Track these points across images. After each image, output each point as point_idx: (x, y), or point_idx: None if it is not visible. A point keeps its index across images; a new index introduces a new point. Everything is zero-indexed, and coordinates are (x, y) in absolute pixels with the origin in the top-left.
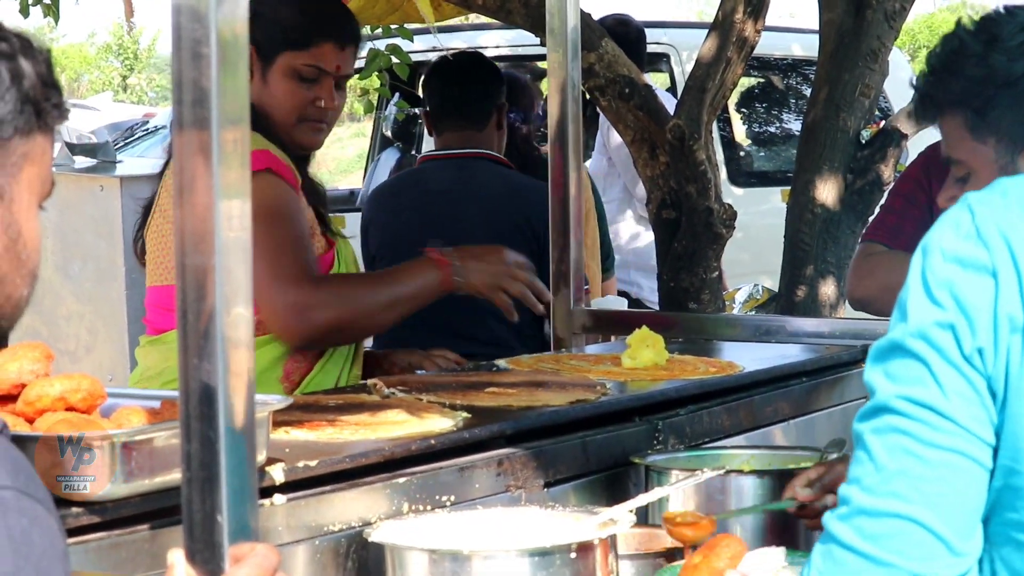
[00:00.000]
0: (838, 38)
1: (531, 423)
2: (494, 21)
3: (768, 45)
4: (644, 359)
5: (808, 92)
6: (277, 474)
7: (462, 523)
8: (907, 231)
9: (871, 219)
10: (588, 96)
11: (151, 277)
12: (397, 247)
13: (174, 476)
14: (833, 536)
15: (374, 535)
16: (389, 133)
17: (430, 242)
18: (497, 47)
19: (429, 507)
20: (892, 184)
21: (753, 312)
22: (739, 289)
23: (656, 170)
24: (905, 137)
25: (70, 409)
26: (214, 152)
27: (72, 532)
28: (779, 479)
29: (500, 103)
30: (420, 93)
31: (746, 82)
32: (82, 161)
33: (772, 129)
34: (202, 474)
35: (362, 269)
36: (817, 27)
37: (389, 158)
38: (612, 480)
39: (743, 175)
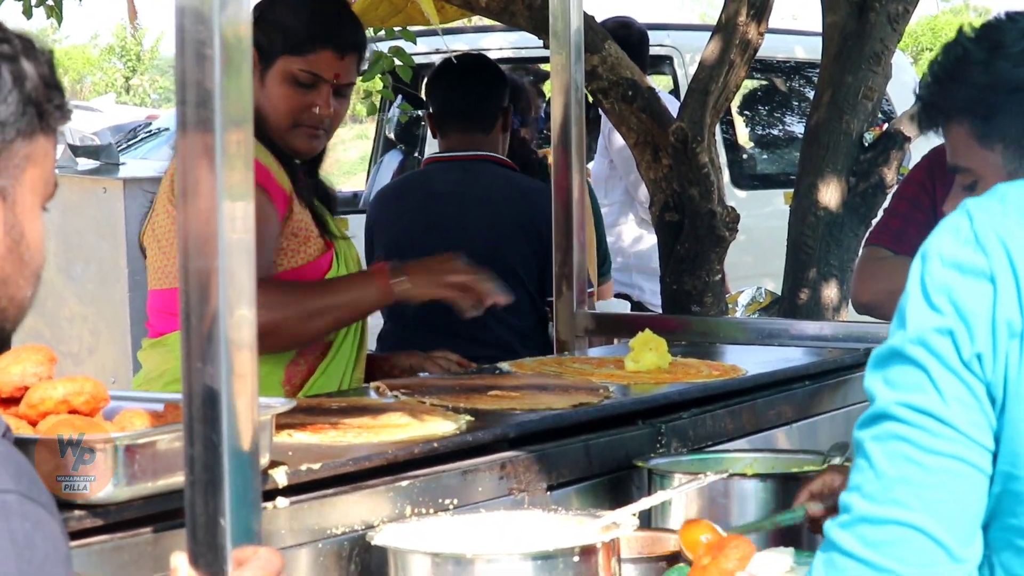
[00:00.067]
0: (841, 41)
1: (534, 426)
2: (497, 23)
3: (771, 48)
4: (647, 362)
5: (811, 95)
6: (280, 477)
7: (465, 526)
8: (911, 235)
9: (875, 222)
10: (591, 99)
11: (152, 280)
12: (402, 248)
13: (177, 479)
14: (835, 544)
15: (377, 538)
16: (392, 135)
17: (434, 244)
18: (500, 49)
19: (432, 510)
20: (895, 187)
21: (756, 315)
22: (742, 292)
23: (659, 173)
24: (908, 140)
25: (73, 412)
26: (218, 154)
27: (75, 535)
28: (782, 483)
29: (505, 106)
30: (423, 95)
31: (749, 85)
32: (85, 163)
33: (775, 132)
34: (205, 477)
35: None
36: (820, 30)
37: (392, 160)
38: (615, 483)
39: (746, 178)
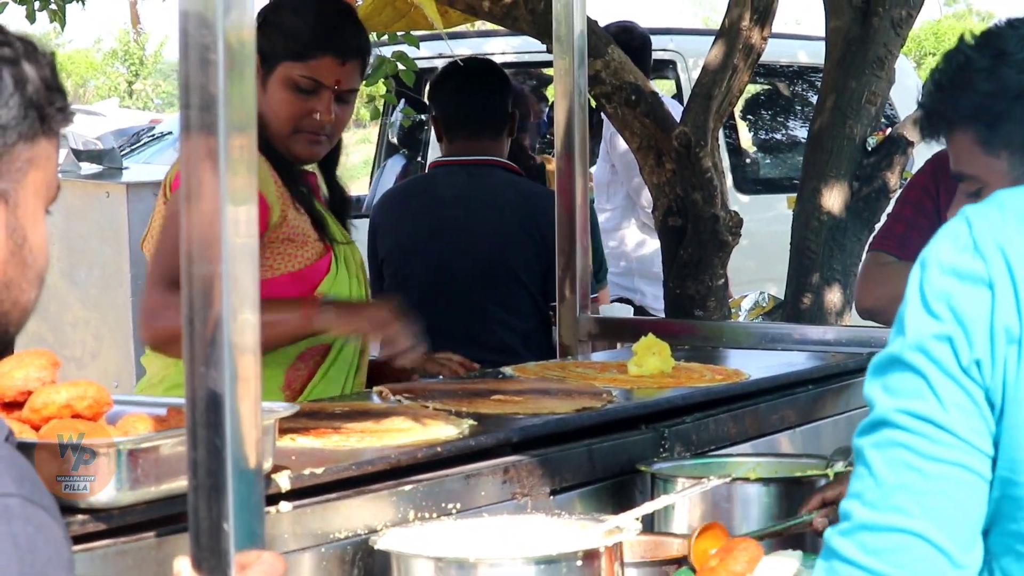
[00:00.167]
0: (844, 45)
1: (537, 431)
2: (500, 28)
3: (774, 52)
4: (650, 367)
5: (814, 99)
6: (283, 481)
7: (468, 531)
8: (915, 240)
9: (878, 227)
10: (594, 103)
11: None
12: (406, 252)
13: (180, 483)
14: (835, 552)
15: (380, 543)
16: (395, 140)
17: (438, 247)
18: (503, 54)
19: (435, 515)
20: (899, 191)
21: (759, 320)
22: (745, 296)
23: (662, 177)
24: (911, 144)
25: (76, 416)
26: (221, 158)
27: (78, 539)
28: (785, 487)
29: (512, 111)
30: (427, 99)
31: (752, 89)
32: (88, 167)
33: (778, 136)
34: (208, 481)
35: (368, 275)
36: (823, 34)
37: (395, 165)
38: (618, 488)
39: (749, 182)
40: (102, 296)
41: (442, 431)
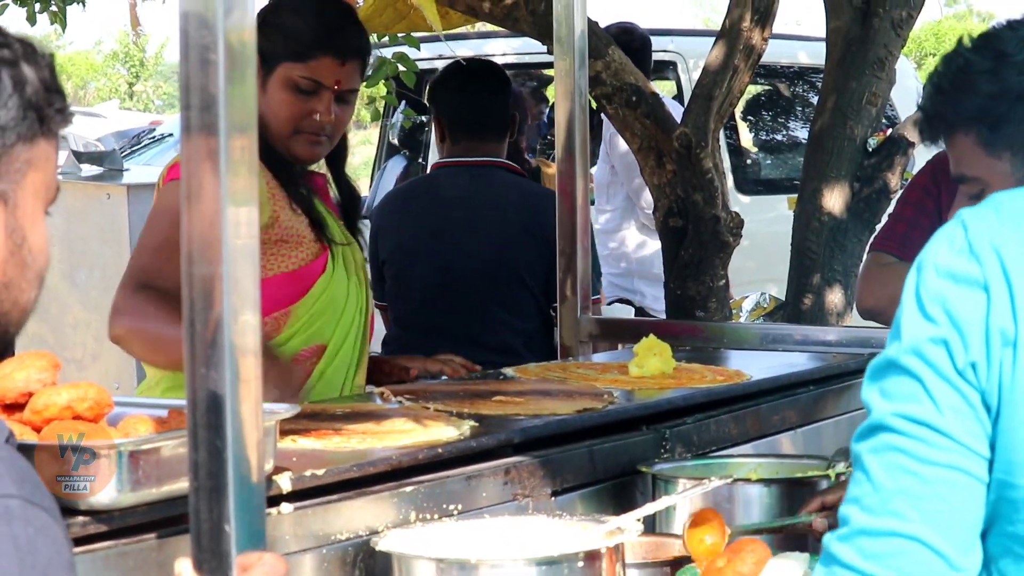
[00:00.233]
0: (845, 46)
1: (538, 432)
2: (501, 29)
3: (775, 53)
4: (651, 367)
5: (814, 100)
6: (284, 483)
7: (469, 532)
8: (916, 240)
9: (879, 227)
10: (594, 104)
11: None
12: (408, 253)
13: (181, 485)
14: (835, 557)
15: (381, 544)
16: (396, 141)
17: (441, 248)
18: (503, 55)
19: (436, 516)
20: (900, 192)
21: (760, 320)
22: (746, 297)
23: (663, 178)
24: (912, 145)
25: (77, 418)
26: (222, 159)
27: (79, 541)
28: (786, 488)
29: (513, 113)
30: (427, 100)
31: (753, 90)
32: (89, 169)
33: (779, 137)
34: (209, 483)
35: (370, 276)
36: (824, 35)
37: (395, 166)
38: (619, 489)
39: (750, 183)
40: (103, 298)
41: (443, 432)
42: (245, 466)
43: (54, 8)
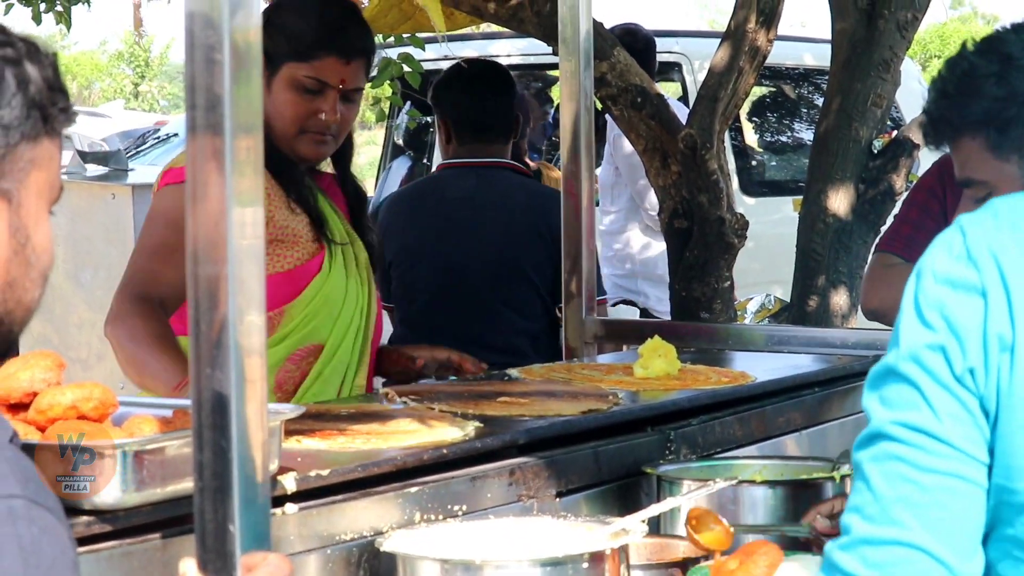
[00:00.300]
0: (850, 48)
1: (543, 433)
2: (506, 30)
3: (780, 54)
4: (656, 369)
5: (819, 102)
6: (289, 483)
7: (474, 533)
8: (922, 242)
9: (885, 229)
10: (599, 105)
11: None
12: (414, 254)
13: (186, 485)
14: (836, 566)
15: (386, 544)
16: (401, 142)
17: (448, 248)
18: (508, 56)
19: (441, 516)
20: (906, 194)
21: (765, 322)
22: (751, 299)
23: (668, 179)
24: (917, 147)
25: (82, 418)
26: (227, 159)
27: (84, 541)
28: (791, 489)
29: (516, 114)
30: (430, 101)
31: (758, 91)
32: (94, 169)
33: (783, 138)
34: (214, 483)
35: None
36: (829, 37)
37: (400, 166)
38: (624, 490)
39: (755, 184)
40: (107, 298)
41: (448, 433)
42: (250, 466)
43: (59, 8)
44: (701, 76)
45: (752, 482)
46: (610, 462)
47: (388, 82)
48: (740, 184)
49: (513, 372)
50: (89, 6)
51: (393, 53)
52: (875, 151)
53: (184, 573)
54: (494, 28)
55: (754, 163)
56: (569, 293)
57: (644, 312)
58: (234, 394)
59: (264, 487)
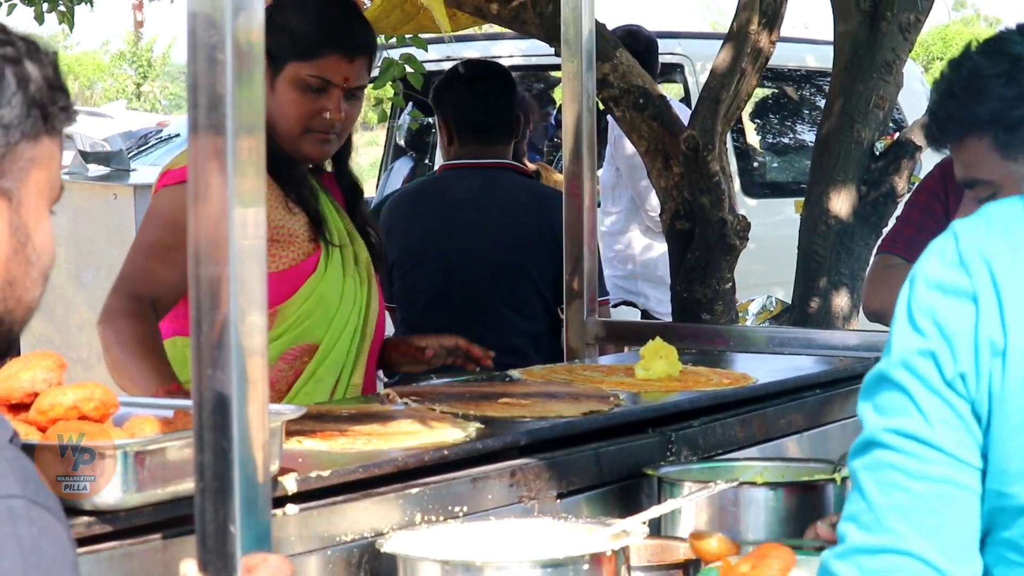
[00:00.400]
0: (853, 49)
1: (544, 434)
2: (508, 31)
3: (782, 56)
4: (657, 370)
5: (822, 103)
6: (290, 484)
7: (475, 534)
8: (924, 243)
9: (887, 231)
10: (602, 106)
11: None
12: (416, 254)
13: (187, 486)
14: (833, 574)
15: (387, 545)
16: (402, 142)
17: (451, 249)
18: (511, 57)
19: (442, 518)
20: (908, 196)
21: (766, 324)
22: (752, 300)
23: (670, 181)
24: (919, 149)
25: (83, 418)
26: (229, 159)
27: (84, 541)
28: (792, 491)
29: (518, 114)
30: (431, 102)
31: (760, 93)
32: (96, 169)
33: (786, 140)
34: (215, 484)
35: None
36: (831, 38)
37: (402, 167)
38: (625, 491)
39: (756, 186)
40: None
41: (449, 434)
42: (251, 467)
43: (62, 8)
44: (703, 77)
45: (753, 484)
46: (611, 463)
47: (390, 83)
48: (742, 185)
49: (514, 373)
50: (92, 6)
51: (395, 54)
52: (877, 153)
53: (185, 574)
54: (496, 29)
55: (756, 164)
56: (570, 294)
57: (644, 313)
58: (235, 395)
59: (265, 488)
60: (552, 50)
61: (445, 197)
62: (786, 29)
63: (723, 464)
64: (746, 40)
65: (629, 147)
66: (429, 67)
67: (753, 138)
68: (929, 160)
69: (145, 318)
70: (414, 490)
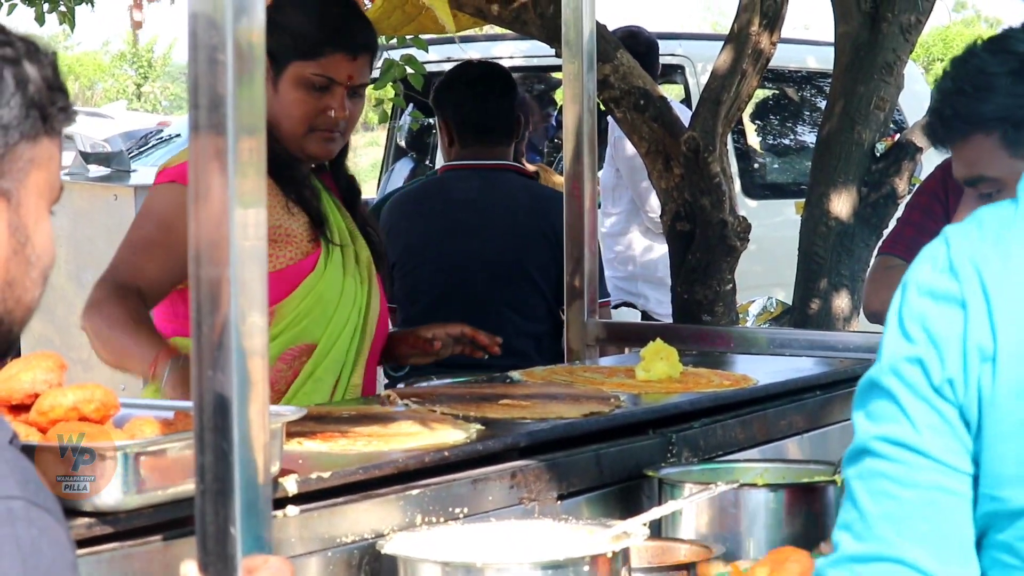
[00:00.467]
0: (853, 51)
1: (544, 435)
2: (509, 32)
3: (783, 57)
4: (658, 372)
5: (823, 104)
6: (290, 486)
7: (475, 535)
8: (924, 245)
9: (887, 232)
10: (602, 107)
11: None
12: (417, 255)
13: (187, 487)
14: None
15: (387, 547)
16: (403, 143)
17: (452, 250)
18: (511, 58)
19: (442, 519)
20: (908, 197)
21: (767, 325)
22: (753, 302)
23: (670, 182)
24: (920, 150)
25: (83, 419)
26: (229, 159)
27: (84, 543)
28: (792, 493)
29: (518, 115)
30: (431, 103)
31: (761, 94)
32: (96, 170)
33: (786, 141)
34: (215, 486)
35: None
36: (832, 40)
37: (403, 168)
38: (625, 493)
39: (757, 187)
40: None
41: (449, 435)
42: (251, 468)
43: (63, 8)
44: (704, 79)
45: (753, 485)
46: (611, 465)
47: (391, 84)
48: (742, 187)
49: (515, 374)
50: (92, 6)
51: (396, 55)
52: (878, 154)
53: (185, 575)
54: (497, 30)
55: (756, 166)
56: (571, 295)
57: (644, 315)
58: (236, 396)
59: (265, 489)
60: (553, 51)
61: (447, 198)
62: (787, 30)
63: (724, 465)
64: (747, 41)
65: (630, 148)
66: (430, 68)
67: (754, 139)
68: (930, 161)
69: (133, 299)
70: (414, 491)
